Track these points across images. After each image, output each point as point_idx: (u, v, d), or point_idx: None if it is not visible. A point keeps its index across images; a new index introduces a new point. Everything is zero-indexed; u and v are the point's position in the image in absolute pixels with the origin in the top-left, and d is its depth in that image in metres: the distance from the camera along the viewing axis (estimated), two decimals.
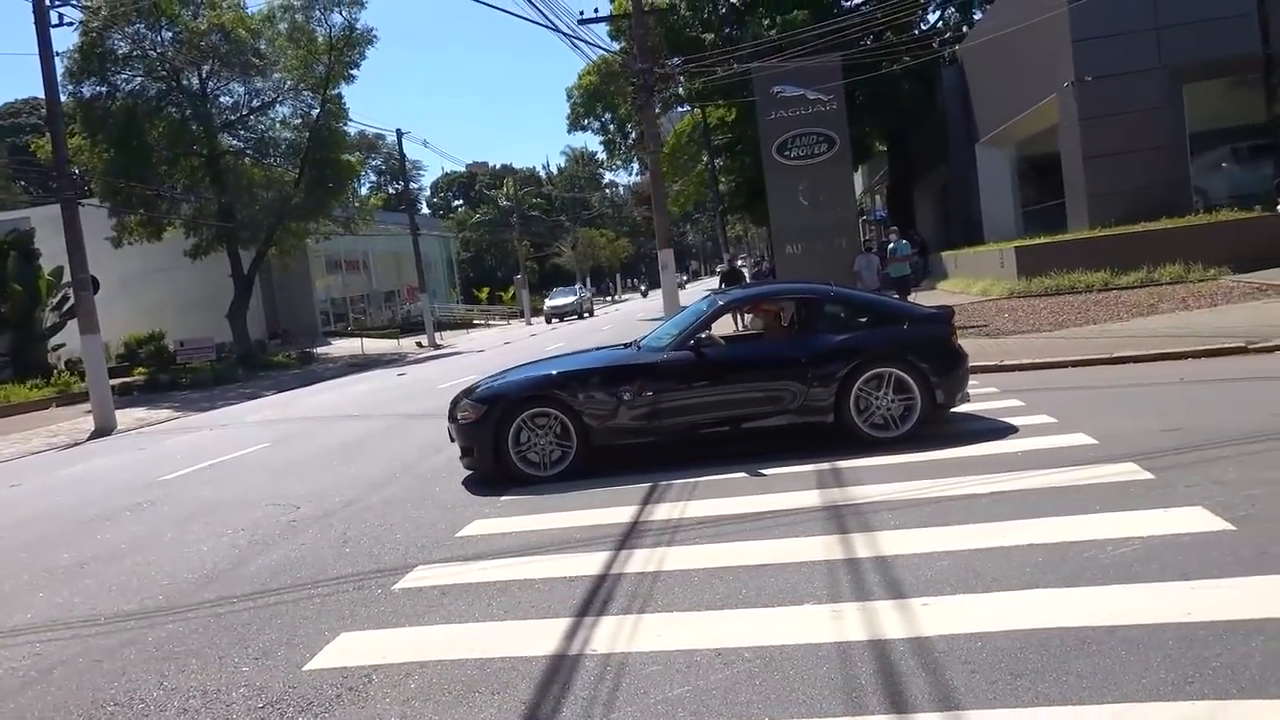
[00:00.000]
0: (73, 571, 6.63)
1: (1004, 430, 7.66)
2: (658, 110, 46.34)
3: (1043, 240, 20.92)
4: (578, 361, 8.66)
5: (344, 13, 34.18)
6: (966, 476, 6.18)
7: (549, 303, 52.90)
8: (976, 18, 39.51)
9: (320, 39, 34.31)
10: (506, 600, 4.90)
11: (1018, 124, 26.30)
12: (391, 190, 71.35)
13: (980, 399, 9.41)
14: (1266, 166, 19.59)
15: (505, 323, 57.16)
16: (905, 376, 7.52)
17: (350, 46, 34.58)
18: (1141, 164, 20.32)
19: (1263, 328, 11.22)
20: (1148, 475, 5.65)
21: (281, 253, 36.40)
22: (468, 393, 8.26)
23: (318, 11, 34.12)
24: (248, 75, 33.55)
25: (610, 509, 6.56)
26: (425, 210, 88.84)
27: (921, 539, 5.02)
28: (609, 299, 80.00)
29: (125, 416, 20.26)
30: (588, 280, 75.44)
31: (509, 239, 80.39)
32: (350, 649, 4.47)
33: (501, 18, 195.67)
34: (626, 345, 8.99)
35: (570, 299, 51.98)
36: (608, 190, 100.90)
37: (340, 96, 35.41)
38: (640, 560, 5.26)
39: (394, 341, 41.28)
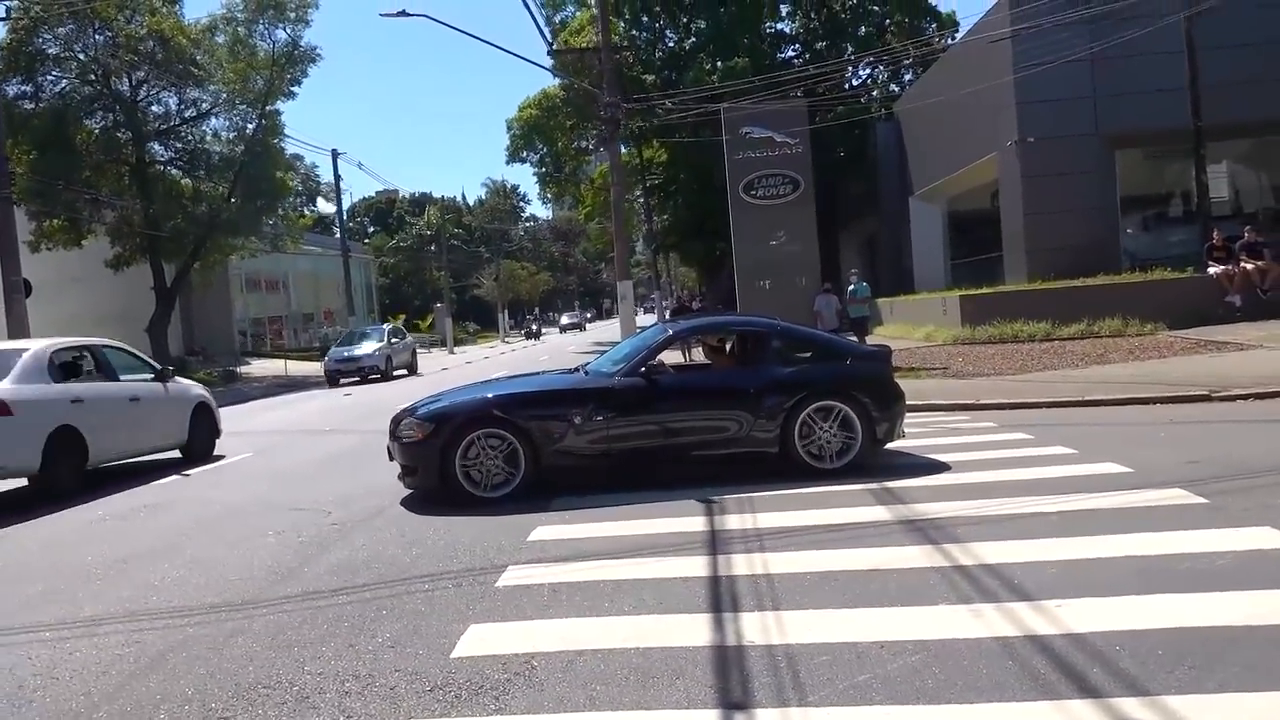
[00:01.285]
0: (117, 568, 6.39)
1: (1031, 460, 8.01)
2: (592, 147, 47.23)
3: (985, 290, 21.89)
4: (527, 384, 8.79)
5: (288, 29, 33.78)
6: (1021, 498, 6.51)
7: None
8: (906, 78, 41.48)
9: (262, 54, 33.74)
10: (627, 597, 4.97)
11: (952, 180, 27.54)
12: (306, 211, 70.05)
13: (982, 431, 9.89)
14: (1191, 230, 20.98)
15: (427, 350, 56.34)
16: (848, 411, 7.82)
17: (293, 64, 34.10)
18: (1075, 223, 21.53)
19: (1217, 378, 11.99)
20: (1200, 500, 6.06)
21: (205, 268, 35.36)
22: (411, 411, 8.23)
23: (261, 26, 33.59)
24: (183, 85, 32.71)
25: (667, 519, 6.68)
26: (338, 233, 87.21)
27: (1017, 550, 5.28)
28: (523, 333, 77.37)
29: None
30: (506, 313, 75.13)
31: (427, 267, 79.67)
32: (490, 639, 4.49)
33: (422, 44, 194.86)
34: (573, 371, 9.17)
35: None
36: (528, 224, 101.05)
37: (278, 113, 34.85)
38: (743, 564, 5.39)
39: (317, 364, 40.32)
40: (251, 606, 5.31)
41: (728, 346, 9.78)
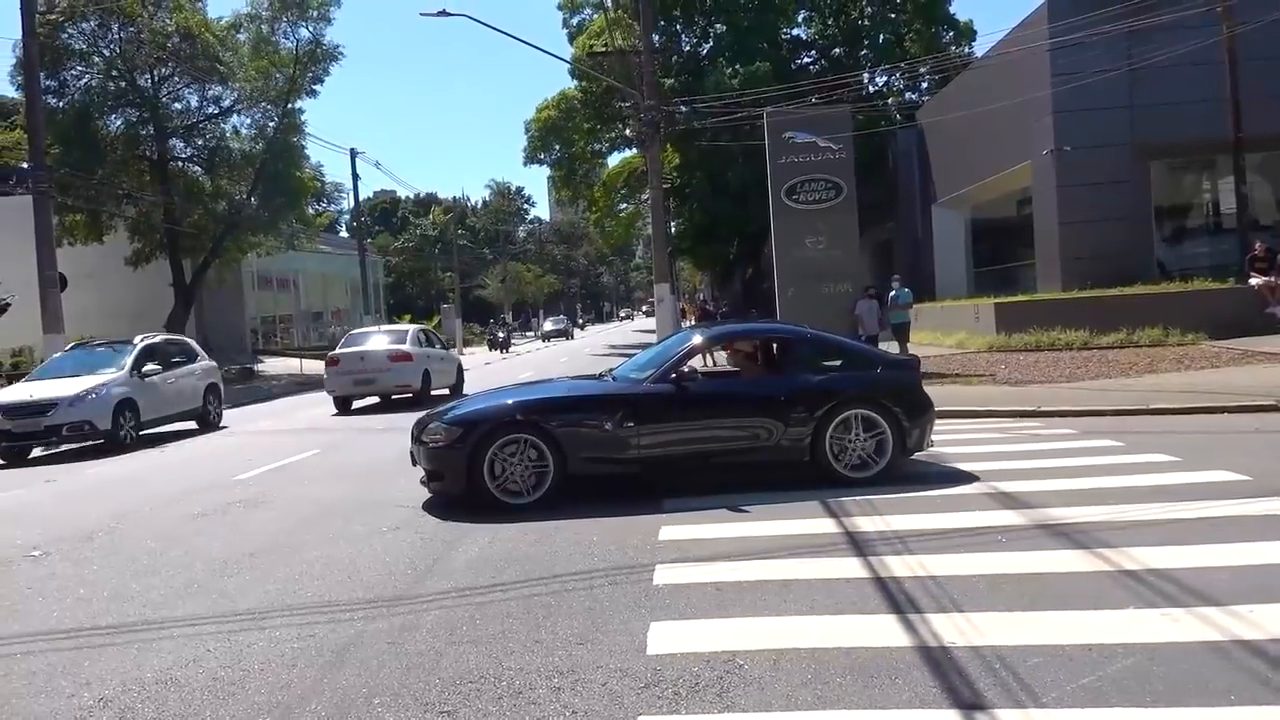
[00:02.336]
0: (248, 562, 6.37)
1: (1136, 467, 8.02)
2: (606, 149, 47.25)
3: (1021, 298, 21.97)
4: (554, 389, 8.74)
5: (311, 28, 33.75)
6: (1151, 504, 6.52)
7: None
8: (924, 85, 41.63)
9: (285, 52, 33.70)
10: (798, 597, 4.97)
11: (978, 188, 27.63)
12: (311, 211, 69.75)
13: (1064, 438, 9.90)
14: (1226, 241, 21.09)
15: None
16: (879, 419, 7.85)
17: (314, 62, 34.06)
18: (1109, 232, 21.62)
19: (1278, 388, 12.04)
20: None
21: (223, 266, 35.26)
22: (437, 416, 8.18)
23: (285, 24, 33.55)
24: (206, 81, 32.65)
25: (790, 521, 6.69)
26: (344, 233, 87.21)
27: (1178, 555, 5.28)
28: (531, 334, 75.85)
29: None
30: (511, 314, 74.94)
31: (432, 268, 79.60)
32: (681, 637, 4.48)
33: (430, 46, 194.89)
34: (599, 376, 9.12)
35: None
36: (531, 225, 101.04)
37: (299, 111, 34.82)
38: (900, 566, 5.39)
39: None
40: (408, 602, 5.29)
41: (756, 354, 9.72)
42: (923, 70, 38.02)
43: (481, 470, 7.47)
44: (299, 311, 52.98)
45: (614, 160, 48.95)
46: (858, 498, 7.25)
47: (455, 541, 6.62)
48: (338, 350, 19.45)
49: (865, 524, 6.45)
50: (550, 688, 3.99)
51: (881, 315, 18.59)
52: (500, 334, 51.46)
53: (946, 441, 10.04)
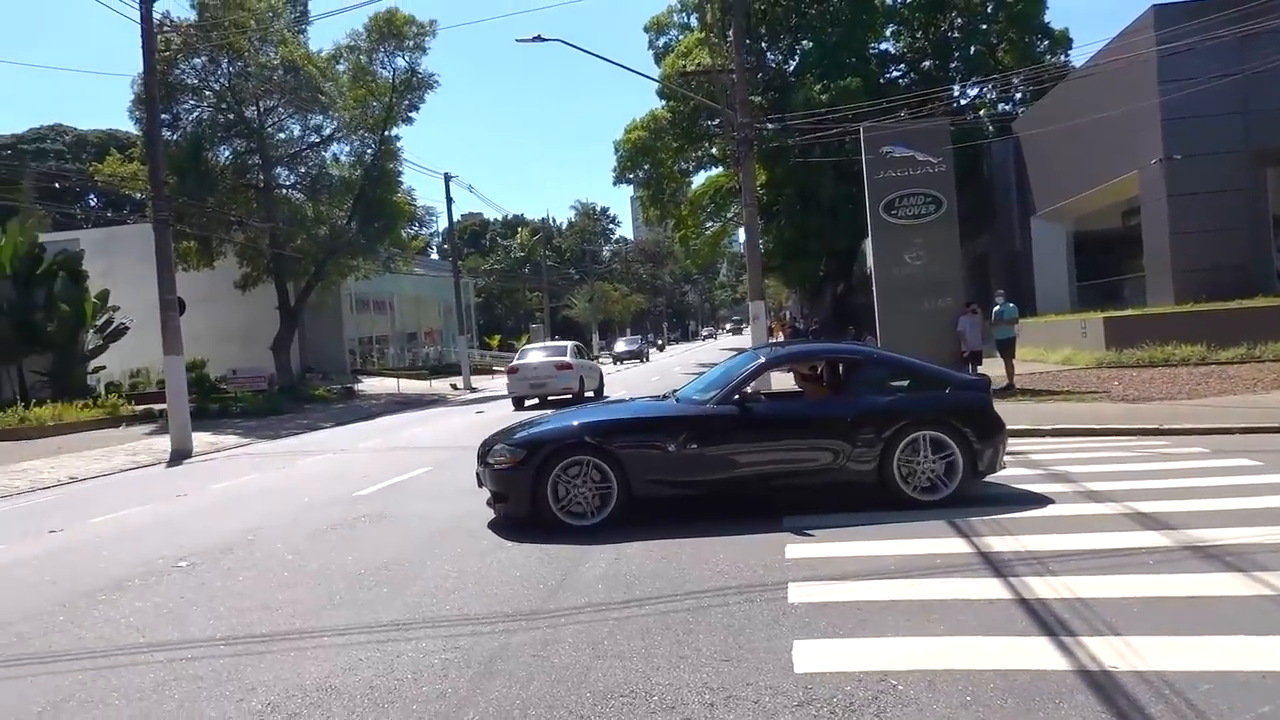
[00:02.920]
0: (382, 575, 6.52)
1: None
2: (692, 168, 47.41)
3: (1131, 312, 21.28)
4: (620, 411, 8.68)
5: (407, 57, 34.72)
6: None
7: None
8: (1017, 96, 40.76)
9: (382, 81, 34.74)
10: (941, 617, 4.88)
11: (1081, 199, 26.88)
12: (406, 234, 71.61)
13: (1196, 457, 9.53)
14: None
15: None
16: (949, 440, 7.67)
17: (411, 90, 35.00)
18: (1223, 243, 20.82)
19: None
20: None
21: (324, 289, 36.38)
22: (502, 437, 8.21)
23: (382, 54, 34.61)
24: (308, 111, 33.86)
25: (916, 540, 6.58)
26: (434, 256, 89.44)
27: None
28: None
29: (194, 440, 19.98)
30: (598, 333, 75.56)
31: (520, 288, 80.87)
32: (828, 656, 4.44)
33: (516, 70, 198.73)
34: (664, 397, 9.06)
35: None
36: (616, 245, 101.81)
37: (396, 138, 35.77)
38: (1043, 587, 5.26)
39: (425, 383, 41.12)
40: (544, 616, 5.36)
41: (821, 375, 9.55)
42: (1017, 81, 37.26)
43: (545, 492, 7.52)
44: (394, 332, 54.32)
45: (699, 179, 49.19)
46: (986, 518, 7.10)
47: (580, 558, 6.68)
48: (516, 362, 24.61)
49: (998, 544, 6.30)
50: (703, 703, 4.00)
51: (985, 330, 18.17)
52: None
53: (1070, 460, 9.80)
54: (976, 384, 8.46)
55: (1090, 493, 7.90)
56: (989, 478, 8.13)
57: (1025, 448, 11.05)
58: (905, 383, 8.26)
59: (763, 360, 8.56)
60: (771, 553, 6.46)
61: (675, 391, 8.99)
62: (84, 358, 32.76)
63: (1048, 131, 27.26)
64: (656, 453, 7.67)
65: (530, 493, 7.54)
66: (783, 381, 15.93)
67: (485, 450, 8.11)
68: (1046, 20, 39.67)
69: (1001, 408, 14.40)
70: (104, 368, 34.65)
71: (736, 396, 7.92)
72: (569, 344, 26.73)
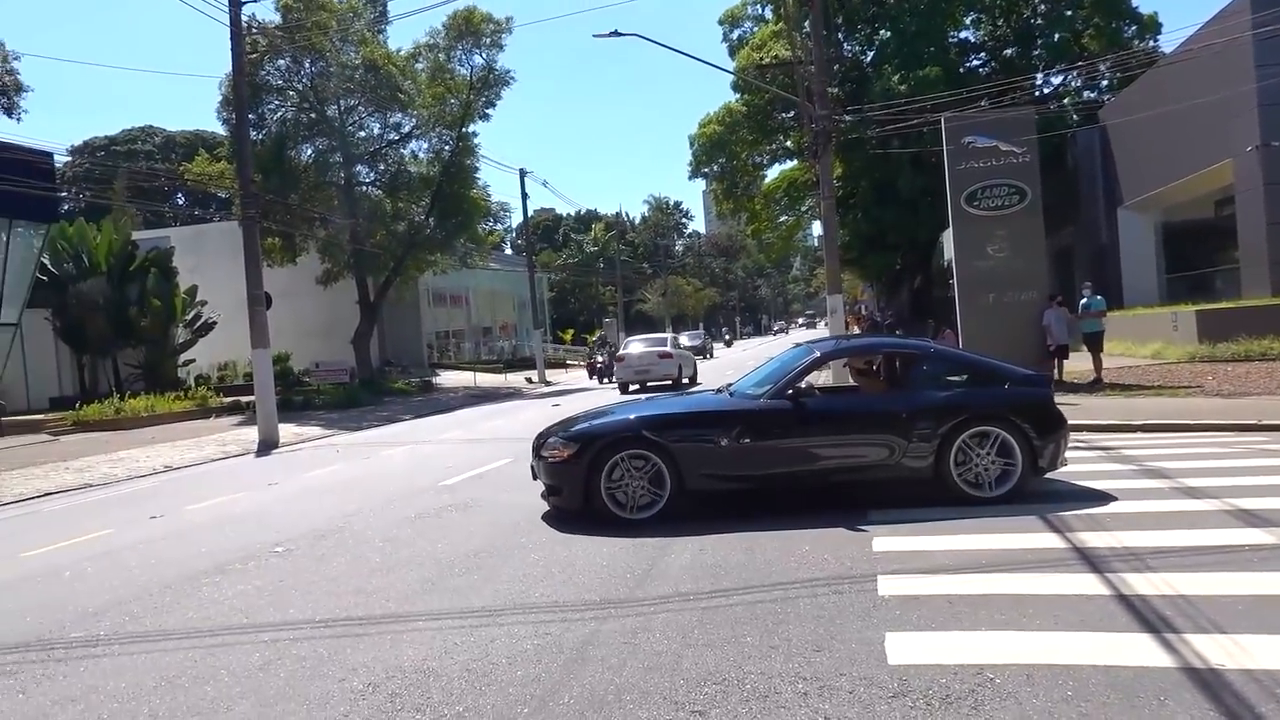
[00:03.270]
0: (474, 562, 6.65)
1: None
2: (766, 161, 47.08)
3: (1225, 305, 20.53)
4: (673, 405, 8.64)
5: (484, 54, 35.15)
6: None
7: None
8: (1103, 84, 39.52)
9: (460, 78, 35.23)
10: (1038, 612, 4.80)
11: (1171, 189, 26.00)
12: (481, 229, 72.47)
13: None
14: None
15: None
16: (1008, 437, 7.51)
17: (488, 87, 35.42)
18: None
19: None
20: None
21: (403, 284, 37.07)
22: (556, 431, 8.23)
23: (460, 52, 35.10)
24: (388, 110, 34.51)
25: (1007, 534, 6.48)
26: (508, 251, 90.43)
27: None
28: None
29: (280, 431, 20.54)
30: (671, 327, 75.59)
31: (593, 282, 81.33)
32: (922, 648, 4.40)
33: (588, 67, 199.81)
34: (718, 391, 8.97)
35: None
36: (689, 238, 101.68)
37: (473, 135, 36.24)
38: (1143, 584, 5.13)
39: (500, 376, 41.64)
40: (633, 605, 5.41)
41: (877, 369, 9.37)
42: (1104, 67, 36.13)
43: (599, 485, 7.56)
44: (469, 326, 55.15)
45: (773, 172, 48.81)
46: (1079, 512, 6.95)
47: (665, 548, 6.72)
48: (622, 352, 28.08)
49: (1093, 539, 6.16)
50: (796, 692, 4.00)
51: (1071, 324, 17.69)
52: (601, 357, 36.25)
53: (1164, 456, 9.52)
54: (1037, 379, 8.27)
55: (1187, 489, 7.67)
56: (1059, 474, 7.97)
57: (1116, 443, 10.76)
58: (963, 378, 8.16)
59: (817, 355, 8.48)
60: (859, 545, 6.42)
61: (730, 385, 8.98)
62: (174, 351, 34.01)
63: (1136, 119, 26.40)
64: (709, 447, 7.67)
65: (583, 486, 7.60)
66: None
67: (540, 443, 8.20)
68: (1134, 4, 38.35)
69: (1090, 403, 14.13)
70: (193, 361, 35.92)
71: (790, 391, 7.89)
72: (668, 336, 31.12)
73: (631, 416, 8.09)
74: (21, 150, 24.57)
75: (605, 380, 32.87)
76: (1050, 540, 6.28)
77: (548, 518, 8.13)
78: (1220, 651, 4.12)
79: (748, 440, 7.65)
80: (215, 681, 4.57)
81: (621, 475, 7.60)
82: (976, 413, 7.63)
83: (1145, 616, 4.64)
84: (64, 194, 44.18)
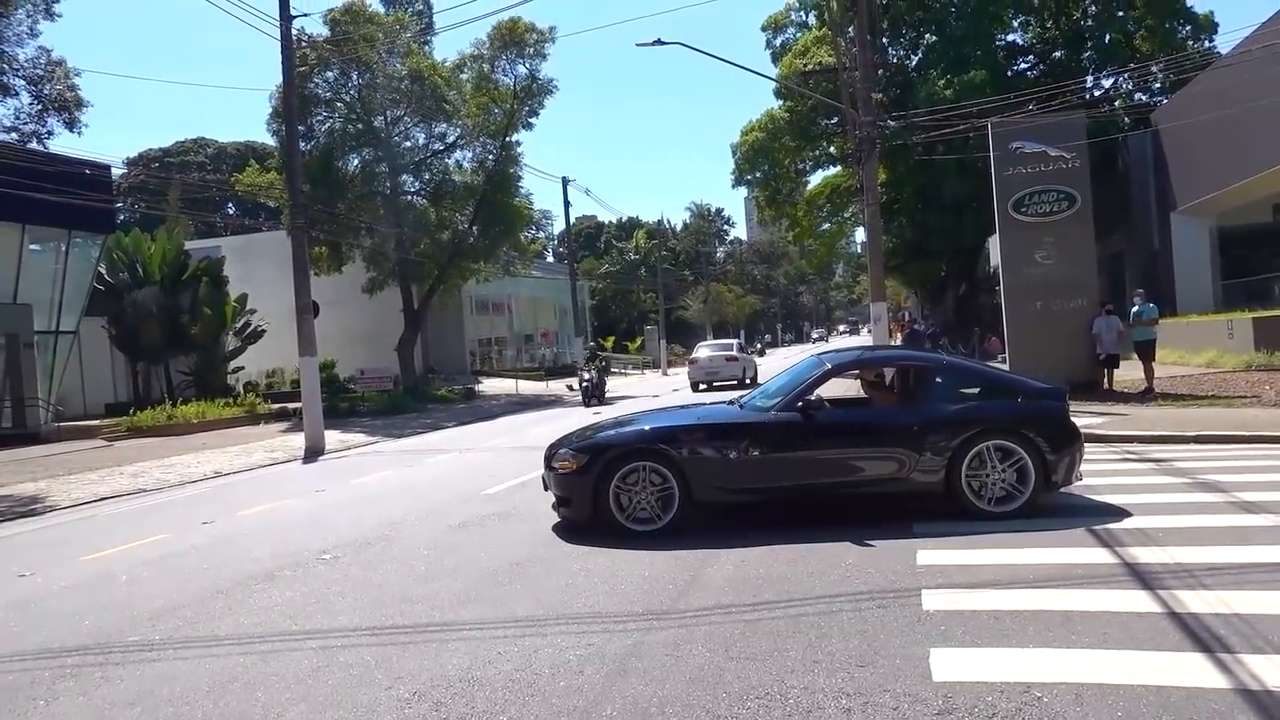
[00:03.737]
0: (516, 571, 6.71)
1: None
2: (809, 168, 46.87)
3: None
4: (683, 417, 8.60)
5: (528, 64, 35.40)
6: None
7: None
8: (1155, 85, 38.79)
9: (503, 88, 35.53)
10: (1086, 630, 4.73)
11: (1227, 193, 25.44)
12: (524, 237, 72.87)
13: None
14: None
15: (640, 372, 57.31)
16: (1020, 451, 7.41)
17: (531, 96, 35.69)
18: None
19: None
20: None
21: (447, 292, 37.43)
22: (566, 442, 8.24)
23: (504, 61, 35.41)
24: (433, 120, 34.91)
25: (1055, 549, 6.41)
26: (549, 259, 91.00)
27: None
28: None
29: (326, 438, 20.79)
30: (711, 334, 75.40)
31: (634, 290, 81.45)
32: (967, 664, 4.36)
33: (631, 74, 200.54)
34: (730, 403, 8.93)
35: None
36: (731, 245, 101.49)
37: (517, 144, 36.51)
38: (1196, 601, 5.03)
39: (542, 384, 41.85)
40: (675, 616, 5.42)
41: (889, 382, 9.26)
42: (1156, 69, 35.48)
43: (608, 496, 7.58)
44: (512, 334, 55.50)
45: (816, 179, 48.55)
46: (1129, 526, 6.83)
47: (707, 560, 6.72)
48: (694, 355, 32.86)
49: (1144, 555, 6.06)
50: (839, 708, 3.98)
51: (1123, 332, 17.39)
52: (589, 373, 28.71)
53: (1219, 469, 9.33)
54: (1052, 393, 8.15)
55: (1243, 503, 7.51)
56: (1107, 487, 7.90)
57: (1168, 455, 10.56)
58: (975, 391, 8.07)
59: (828, 367, 8.42)
60: (903, 559, 6.37)
61: (742, 398, 8.95)
62: (225, 358, 34.66)
63: (1191, 122, 25.90)
64: (718, 459, 7.68)
65: (592, 497, 7.63)
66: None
67: (550, 455, 8.22)
68: (1189, 4, 37.59)
69: (1141, 413, 13.88)
70: (242, 368, 36.57)
71: (799, 404, 7.84)
72: (734, 341, 35.88)
73: (643, 428, 8.12)
74: (81, 163, 25.22)
75: (594, 401, 27.45)
76: (1100, 555, 6.19)
77: (590, 528, 8.15)
78: (1277, 673, 4.03)
79: (756, 452, 7.67)
80: (266, 687, 4.66)
81: (630, 487, 7.63)
82: (988, 426, 7.57)
83: (1198, 635, 4.56)
84: (120, 205, 45.22)
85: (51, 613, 6.56)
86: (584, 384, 28.48)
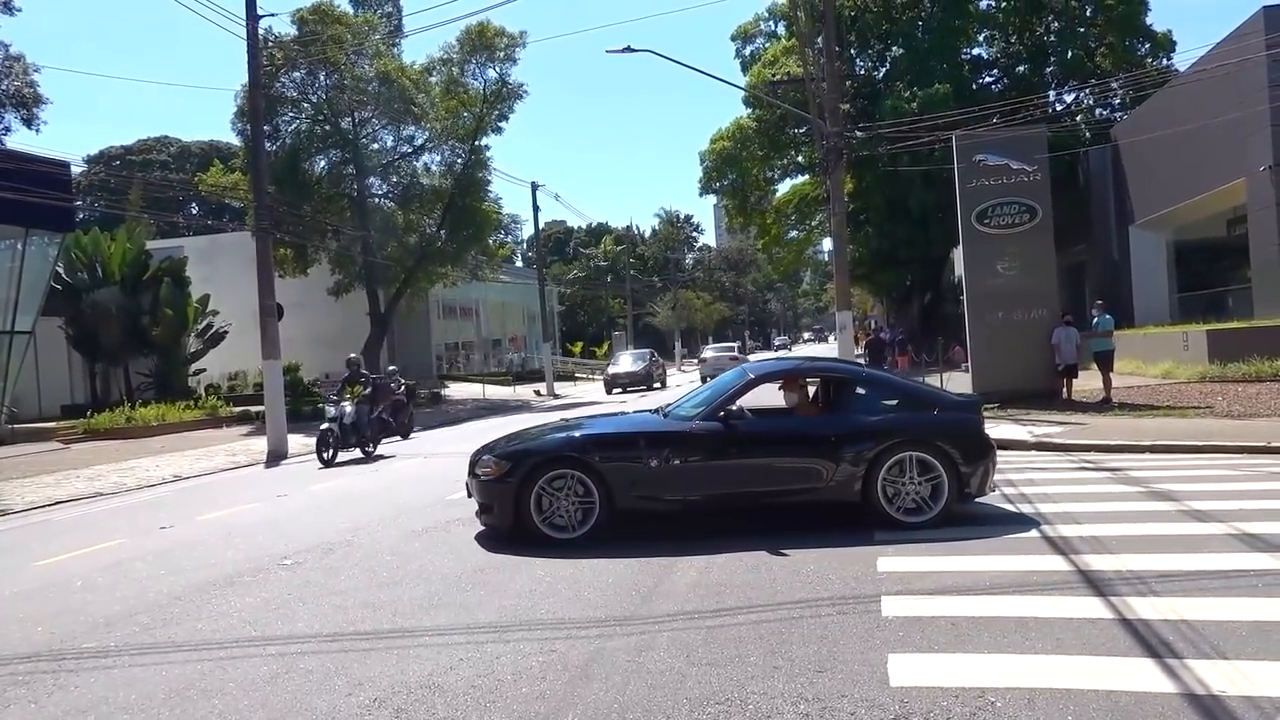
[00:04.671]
0: (478, 578, 6.69)
1: None
2: (778, 176, 47.16)
3: (1236, 325, 20.48)
4: (606, 425, 8.69)
5: (498, 68, 35.39)
6: None
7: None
8: (1115, 102, 39.51)
9: (473, 92, 35.45)
10: (1040, 635, 4.81)
11: (1183, 208, 25.97)
12: (492, 242, 72.56)
13: None
14: None
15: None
16: (934, 461, 7.55)
17: (501, 100, 35.65)
18: None
19: None
20: None
21: (414, 295, 37.22)
22: (489, 449, 8.28)
23: (474, 65, 35.34)
24: (401, 123, 34.75)
25: (1011, 556, 6.52)
26: (519, 263, 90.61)
27: None
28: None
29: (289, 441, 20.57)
30: (679, 341, 75.50)
31: (602, 295, 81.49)
32: (923, 670, 4.42)
33: (599, 80, 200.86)
34: (654, 411, 9.03)
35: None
36: (699, 252, 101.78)
37: (486, 148, 36.45)
38: (1146, 608, 5.14)
39: (509, 389, 41.71)
40: (638, 622, 5.45)
41: (810, 392, 9.40)
42: (1116, 85, 36.13)
43: (529, 504, 7.59)
44: (479, 339, 55.29)
45: (784, 187, 48.88)
46: (1085, 534, 6.96)
47: (670, 566, 6.75)
48: (703, 355, 38.87)
49: (1098, 562, 6.17)
50: (798, 714, 4.02)
51: (1080, 343, 17.68)
52: (346, 405, 17.24)
53: (1171, 479, 9.52)
54: (967, 404, 8.34)
55: (1194, 512, 7.67)
56: (1065, 495, 8.00)
57: (1124, 464, 10.76)
58: (894, 402, 8.19)
59: (751, 377, 8.49)
60: (863, 565, 6.44)
61: (667, 407, 8.98)
62: (186, 360, 34.16)
63: (1149, 138, 26.42)
64: (639, 467, 7.70)
65: (514, 504, 7.63)
66: None
67: (474, 461, 8.22)
68: (1149, 23, 38.36)
69: (1098, 422, 14.12)
70: (204, 370, 36.08)
71: (722, 413, 7.89)
72: (735, 344, 43.71)
73: (561, 436, 8.15)
74: (39, 160, 24.81)
75: (361, 445, 17.24)
76: (1056, 562, 6.30)
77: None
78: (1222, 678, 4.13)
79: (678, 461, 7.70)
80: (224, 695, 4.62)
81: (552, 494, 7.63)
82: (904, 437, 7.68)
83: (1148, 641, 4.66)
84: (79, 203, 44.51)
85: (3, 619, 6.46)
86: (329, 424, 16.71)
